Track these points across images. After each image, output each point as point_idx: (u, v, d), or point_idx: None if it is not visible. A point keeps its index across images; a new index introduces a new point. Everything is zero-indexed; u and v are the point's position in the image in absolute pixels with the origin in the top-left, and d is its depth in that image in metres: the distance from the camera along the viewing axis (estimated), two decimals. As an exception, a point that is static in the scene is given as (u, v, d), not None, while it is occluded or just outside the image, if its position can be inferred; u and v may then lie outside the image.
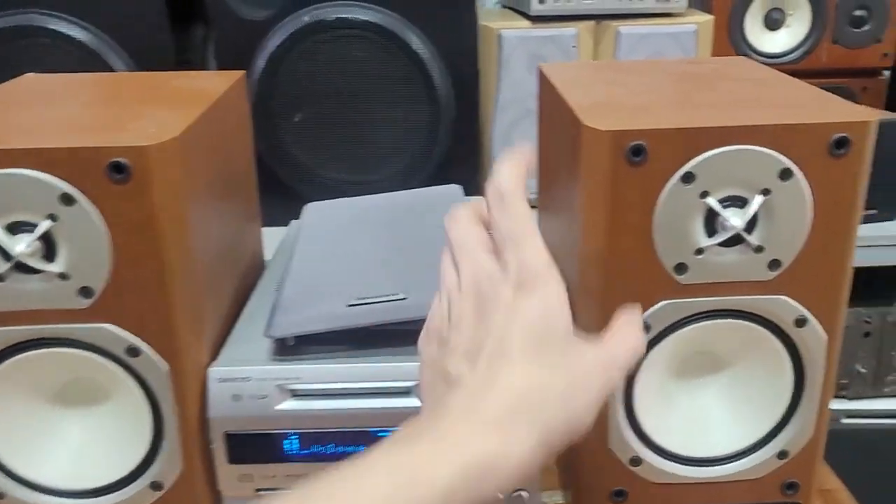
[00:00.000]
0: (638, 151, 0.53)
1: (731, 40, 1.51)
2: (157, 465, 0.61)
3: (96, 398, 0.61)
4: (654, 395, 0.60)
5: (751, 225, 0.55)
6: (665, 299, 0.57)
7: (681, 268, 0.56)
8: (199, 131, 0.61)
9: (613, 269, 0.56)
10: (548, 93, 0.70)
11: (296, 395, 0.61)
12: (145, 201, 0.54)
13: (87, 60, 1.23)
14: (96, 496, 0.61)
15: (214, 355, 0.63)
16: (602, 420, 0.60)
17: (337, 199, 0.87)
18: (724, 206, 0.54)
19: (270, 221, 0.91)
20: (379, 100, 1.33)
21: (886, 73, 1.58)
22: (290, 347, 0.63)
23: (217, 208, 0.67)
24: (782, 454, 0.61)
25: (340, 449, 0.62)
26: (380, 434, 0.62)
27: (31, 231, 0.55)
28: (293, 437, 0.62)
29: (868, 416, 1.54)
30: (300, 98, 1.33)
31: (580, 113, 0.56)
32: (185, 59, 1.39)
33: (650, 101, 0.59)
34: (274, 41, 1.29)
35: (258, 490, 0.63)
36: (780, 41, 1.53)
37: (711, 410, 0.62)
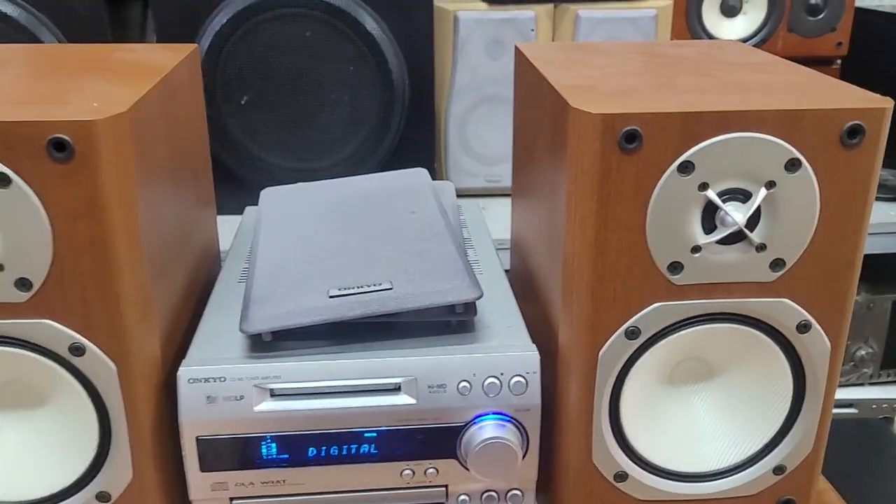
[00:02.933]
0: (632, 137, 0.49)
1: (689, 26, 1.49)
2: (105, 473, 0.56)
3: (36, 401, 0.56)
4: (641, 404, 0.57)
5: (753, 221, 0.51)
6: (658, 301, 0.53)
7: (675, 267, 0.52)
8: (150, 106, 0.56)
9: (602, 267, 0.52)
10: (526, 73, 0.66)
11: (275, 395, 0.56)
12: (90, 182, 0.49)
13: (15, 38, 1.16)
14: (36, 509, 0.56)
15: (166, 352, 0.58)
16: (586, 432, 0.56)
17: (297, 184, 0.81)
18: (725, 200, 0.50)
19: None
20: (329, 83, 1.28)
21: (839, 62, 1.58)
22: (267, 343, 0.58)
23: (169, 192, 0.61)
24: (779, 469, 0.58)
25: (322, 452, 0.58)
26: (366, 435, 0.57)
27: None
28: (271, 440, 0.57)
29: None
30: (246, 80, 1.27)
31: (567, 94, 0.51)
32: (120, 38, 1.31)
33: (641, 84, 0.55)
34: (218, 20, 1.23)
35: (233, 499, 0.58)
36: (737, 28, 1.52)
37: (703, 421, 0.58)
